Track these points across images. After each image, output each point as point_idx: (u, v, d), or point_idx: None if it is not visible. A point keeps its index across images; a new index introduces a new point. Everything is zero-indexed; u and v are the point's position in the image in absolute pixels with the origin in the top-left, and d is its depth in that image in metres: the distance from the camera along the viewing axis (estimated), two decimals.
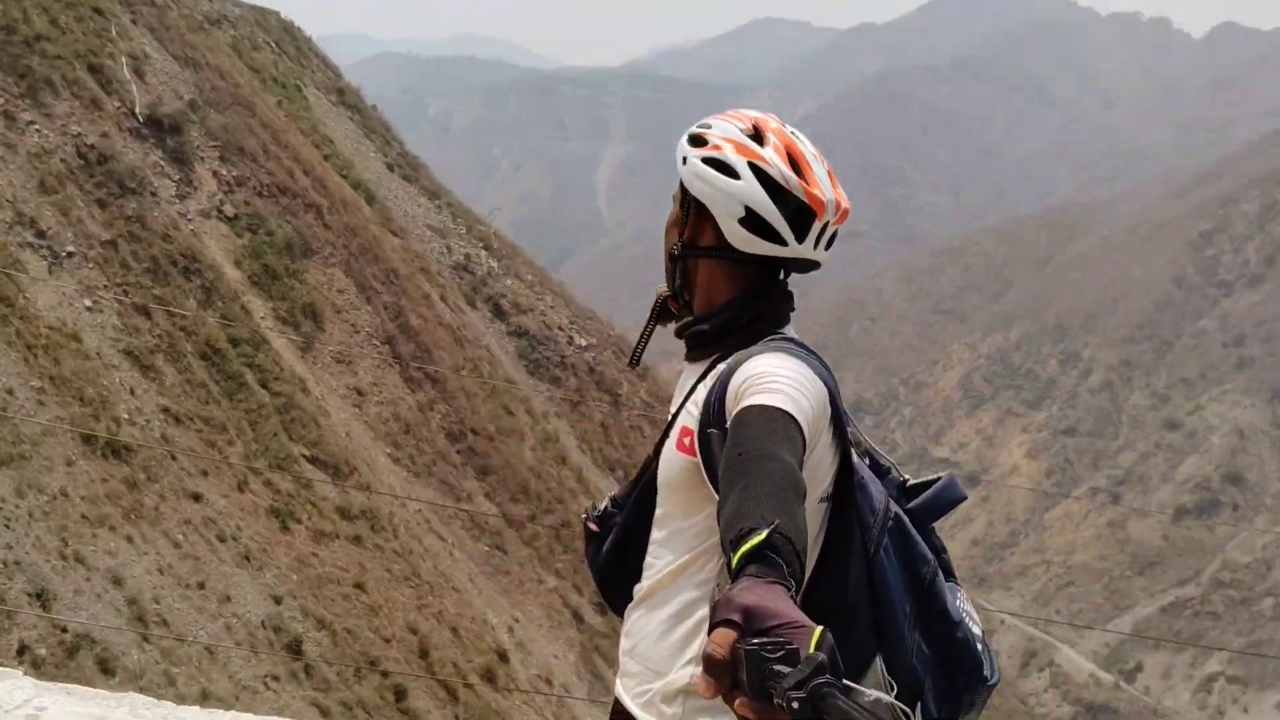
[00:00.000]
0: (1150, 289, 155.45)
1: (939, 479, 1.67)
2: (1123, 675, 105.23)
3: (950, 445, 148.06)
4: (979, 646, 1.61)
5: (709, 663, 0.87)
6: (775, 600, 0.91)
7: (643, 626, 1.62)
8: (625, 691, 1.63)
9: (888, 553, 1.56)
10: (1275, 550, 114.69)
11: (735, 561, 1.02)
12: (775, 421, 1.30)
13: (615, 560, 1.72)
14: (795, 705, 0.79)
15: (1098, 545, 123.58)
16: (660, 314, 1.75)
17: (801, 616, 0.89)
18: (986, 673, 1.62)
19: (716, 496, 1.34)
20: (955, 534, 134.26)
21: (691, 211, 1.66)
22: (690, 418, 1.56)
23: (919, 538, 1.61)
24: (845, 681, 0.85)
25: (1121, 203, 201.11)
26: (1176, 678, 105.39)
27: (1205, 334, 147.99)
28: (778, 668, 0.83)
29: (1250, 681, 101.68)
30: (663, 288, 1.76)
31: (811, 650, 0.85)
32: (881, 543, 1.55)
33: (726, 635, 0.88)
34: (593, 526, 1.76)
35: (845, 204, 1.63)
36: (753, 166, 1.56)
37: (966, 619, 1.62)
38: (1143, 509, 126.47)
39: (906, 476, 1.70)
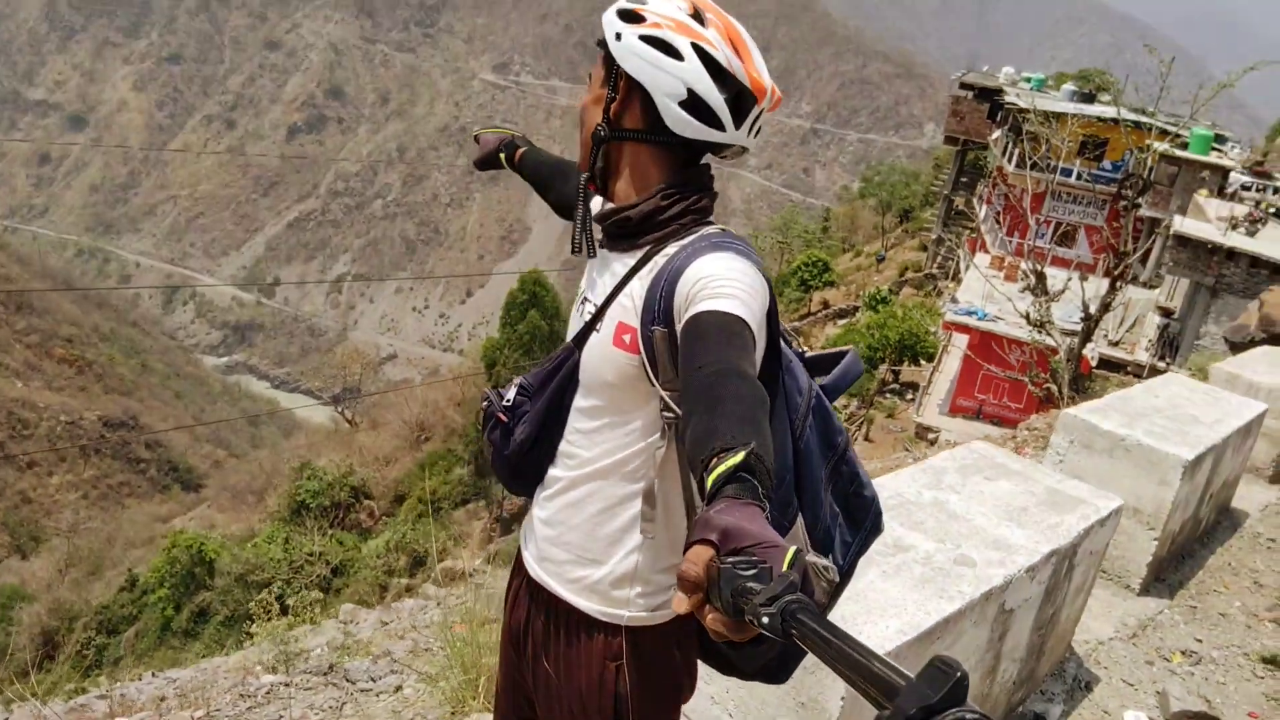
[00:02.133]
0: None
1: (842, 353, 1.69)
2: (263, 292, 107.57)
3: (46, 85, 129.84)
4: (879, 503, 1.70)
5: (684, 580, 0.90)
6: (751, 521, 0.93)
7: (570, 517, 1.60)
8: (549, 575, 1.63)
9: (811, 429, 1.59)
10: (379, 155, 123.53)
11: (711, 482, 1.03)
12: (731, 329, 1.30)
13: (529, 449, 1.64)
14: (765, 620, 0.82)
15: (221, 173, 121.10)
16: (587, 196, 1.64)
17: (776, 537, 0.92)
18: (883, 524, 1.70)
19: (659, 392, 1.43)
20: (71, 181, 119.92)
21: (621, 90, 1.54)
22: (627, 313, 1.50)
23: (833, 410, 1.64)
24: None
25: None
26: (311, 285, 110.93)
27: None
28: (750, 585, 0.86)
29: (372, 275, 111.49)
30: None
31: (784, 569, 0.87)
32: (807, 421, 1.58)
33: (703, 553, 0.91)
34: (502, 417, 1.66)
35: (779, 92, 1.57)
36: (696, 47, 1.48)
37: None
38: (258, 132, 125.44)
39: (804, 349, 1.70)
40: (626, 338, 1.49)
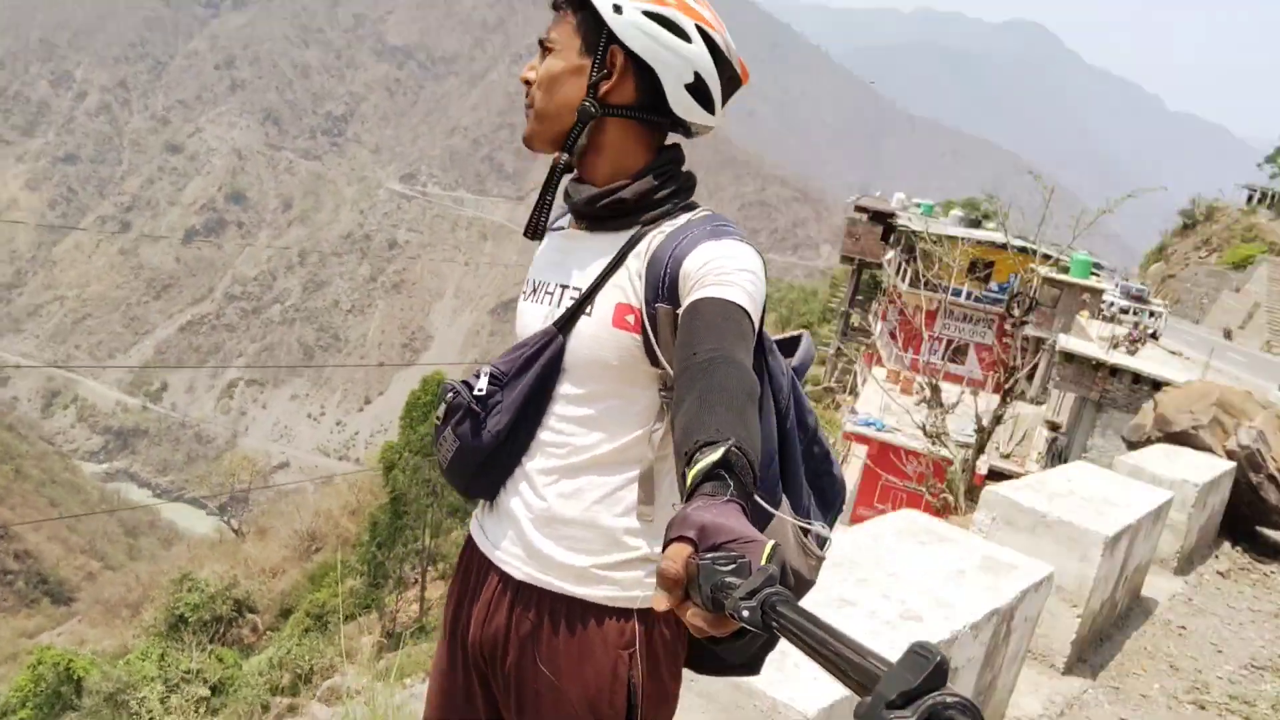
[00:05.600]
0: (139, 6, 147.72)
1: (798, 336, 1.68)
2: (149, 397, 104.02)
3: None
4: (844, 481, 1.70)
5: (663, 578, 0.89)
6: (728, 517, 0.93)
7: (566, 509, 1.51)
8: (545, 571, 1.52)
9: (792, 409, 1.58)
10: (278, 261, 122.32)
11: (690, 478, 1.04)
12: (731, 318, 1.31)
13: (504, 441, 1.54)
14: (746, 613, 0.82)
15: (112, 275, 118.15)
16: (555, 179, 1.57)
17: (754, 532, 0.92)
18: (845, 497, 1.69)
19: (661, 371, 1.44)
20: None
21: (618, 67, 1.48)
22: (627, 294, 1.47)
23: (804, 391, 1.64)
24: None
25: None
26: (200, 390, 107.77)
27: (198, 55, 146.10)
28: (729, 579, 0.86)
29: (266, 382, 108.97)
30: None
31: (763, 562, 0.87)
32: (791, 401, 1.57)
33: (681, 550, 0.90)
34: (475, 407, 1.55)
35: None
36: (699, 29, 1.46)
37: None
38: (153, 234, 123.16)
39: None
40: (630, 318, 1.46)
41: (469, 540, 1.66)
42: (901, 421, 22.15)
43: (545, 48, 1.52)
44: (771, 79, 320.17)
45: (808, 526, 1.55)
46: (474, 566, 1.62)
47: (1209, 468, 6.57)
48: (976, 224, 39.14)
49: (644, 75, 1.47)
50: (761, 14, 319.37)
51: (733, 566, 0.87)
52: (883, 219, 43.23)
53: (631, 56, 1.46)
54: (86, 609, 41.30)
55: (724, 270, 1.37)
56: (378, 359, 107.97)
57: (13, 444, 65.32)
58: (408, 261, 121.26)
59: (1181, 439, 7.48)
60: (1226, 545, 7.16)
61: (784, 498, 1.54)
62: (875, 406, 25.32)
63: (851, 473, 26.82)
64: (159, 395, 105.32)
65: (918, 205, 47.37)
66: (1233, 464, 7.06)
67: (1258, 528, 7.48)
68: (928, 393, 16.17)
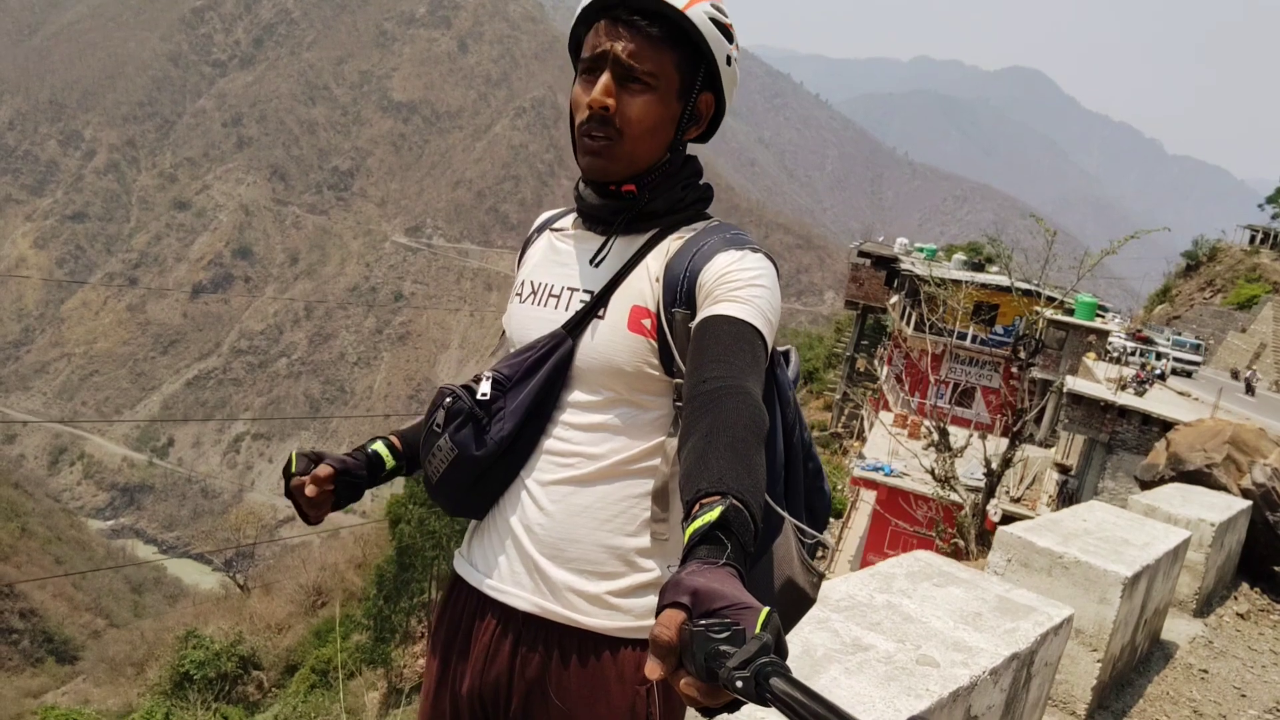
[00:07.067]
0: (148, 66, 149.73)
1: (786, 351, 1.60)
2: (155, 453, 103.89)
3: None
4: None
5: (656, 644, 0.87)
6: (723, 583, 0.91)
7: (575, 527, 1.42)
8: (553, 600, 1.42)
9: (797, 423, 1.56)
10: (284, 315, 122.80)
11: (687, 537, 1.02)
12: (744, 340, 1.28)
13: (506, 450, 1.46)
14: (739, 684, 0.80)
15: (119, 331, 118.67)
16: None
17: (749, 598, 0.89)
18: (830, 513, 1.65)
19: (676, 381, 1.39)
20: None
21: (704, 111, 1.50)
22: (644, 297, 1.42)
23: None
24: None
25: None
26: (207, 445, 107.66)
27: (205, 113, 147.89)
28: (724, 648, 0.83)
29: (272, 435, 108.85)
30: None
31: (758, 630, 0.85)
32: (799, 414, 1.54)
33: (674, 617, 0.88)
34: (479, 412, 1.45)
35: None
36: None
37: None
38: (161, 289, 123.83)
39: None
40: (646, 322, 1.42)
41: (454, 582, 1.56)
42: (910, 466, 22.03)
43: (638, 79, 1.41)
44: (772, 128, 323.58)
45: (815, 537, 1.52)
46: (464, 610, 1.51)
47: (1225, 507, 6.46)
48: (980, 268, 39.21)
49: (712, 115, 1.53)
50: (761, 65, 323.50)
51: (727, 634, 0.85)
52: (886, 264, 43.33)
53: (712, 98, 1.50)
54: (91, 668, 41.01)
55: (740, 284, 1.35)
56: (384, 411, 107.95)
57: (19, 501, 65.17)
58: (413, 313, 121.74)
59: (1195, 478, 7.37)
60: (1245, 586, 7.02)
61: (787, 513, 1.51)
62: (883, 451, 25.23)
63: (860, 518, 26.60)
64: (165, 451, 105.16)
65: (920, 250, 47.53)
66: (1248, 503, 6.94)
67: (1276, 568, 7.34)
68: (936, 436, 16.06)
